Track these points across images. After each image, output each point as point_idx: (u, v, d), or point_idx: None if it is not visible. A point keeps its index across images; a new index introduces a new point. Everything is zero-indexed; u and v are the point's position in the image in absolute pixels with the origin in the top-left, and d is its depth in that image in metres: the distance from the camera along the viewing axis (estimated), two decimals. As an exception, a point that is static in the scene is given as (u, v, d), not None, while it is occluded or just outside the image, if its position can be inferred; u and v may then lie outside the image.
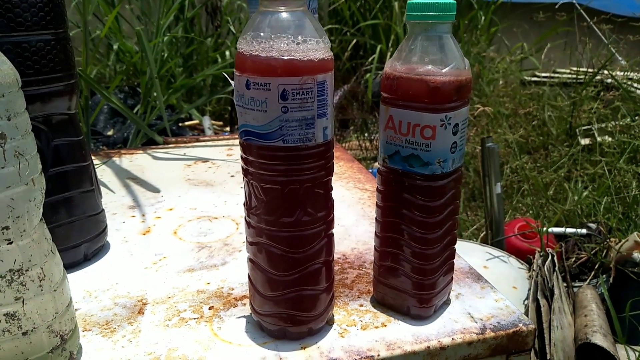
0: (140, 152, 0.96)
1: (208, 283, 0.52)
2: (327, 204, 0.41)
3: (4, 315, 0.36)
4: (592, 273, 1.09)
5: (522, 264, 1.00)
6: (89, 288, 0.51)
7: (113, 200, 0.73)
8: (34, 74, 0.49)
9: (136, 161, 0.91)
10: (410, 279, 0.44)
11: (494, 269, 0.98)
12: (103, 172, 0.83)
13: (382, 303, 0.48)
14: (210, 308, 0.48)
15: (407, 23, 0.40)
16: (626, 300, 0.96)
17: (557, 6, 2.17)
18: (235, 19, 2.27)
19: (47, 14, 0.48)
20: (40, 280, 0.37)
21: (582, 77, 1.89)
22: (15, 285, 0.36)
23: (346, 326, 0.45)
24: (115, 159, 0.91)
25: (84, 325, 0.45)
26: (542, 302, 0.81)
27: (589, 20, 2.04)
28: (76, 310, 0.47)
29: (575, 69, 2.00)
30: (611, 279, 1.03)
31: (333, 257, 0.43)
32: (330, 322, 0.45)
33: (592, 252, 1.13)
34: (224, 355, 0.41)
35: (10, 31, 0.47)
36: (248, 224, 0.41)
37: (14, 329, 0.36)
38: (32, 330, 0.37)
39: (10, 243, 0.35)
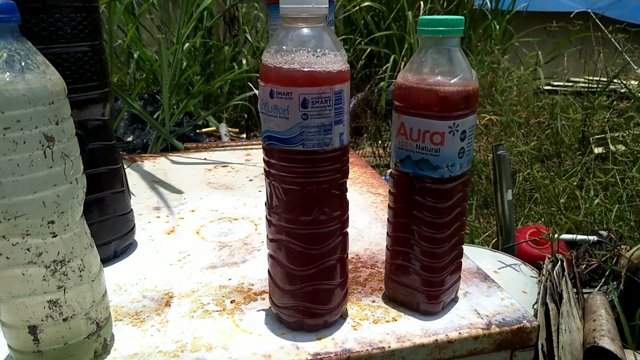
0: (163, 156, 1.00)
1: (229, 279, 0.55)
2: (343, 204, 0.44)
3: (48, 302, 0.39)
4: (603, 280, 1.10)
5: (532, 269, 1.02)
6: (119, 282, 0.55)
7: (139, 202, 0.77)
8: (72, 83, 0.52)
9: (159, 165, 0.95)
10: (419, 276, 0.47)
11: (504, 274, 1.00)
12: (128, 176, 0.87)
13: (393, 299, 0.51)
14: (232, 302, 0.51)
15: (419, 37, 0.44)
16: (636, 308, 0.97)
17: (572, 15, 2.19)
18: (252, 28, 2.33)
19: (85, 27, 0.52)
20: (80, 271, 0.41)
21: (595, 86, 1.90)
22: (58, 275, 0.39)
23: (359, 320, 0.48)
24: (139, 163, 0.96)
25: (115, 315, 0.49)
26: (551, 305, 0.83)
27: (603, 29, 2.05)
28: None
29: (589, 78, 2.01)
30: (621, 286, 1.04)
31: (347, 254, 0.46)
32: (344, 316, 0.48)
33: (602, 259, 1.14)
34: (246, 344, 0.44)
35: (52, 43, 0.51)
36: (269, 222, 0.44)
37: (56, 315, 0.40)
38: (71, 317, 0.41)
39: (55, 236, 0.39)
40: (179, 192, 0.81)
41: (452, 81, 0.42)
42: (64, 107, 0.38)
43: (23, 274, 0.38)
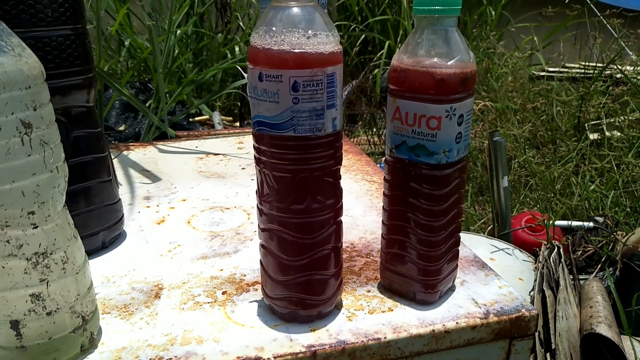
0: (153, 145, 0.98)
1: (221, 270, 0.54)
2: (336, 192, 0.43)
3: (30, 295, 0.38)
4: (599, 266, 1.10)
5: (528, 256, 1.01)
6: (107, 274, 0.53)
7: (128, 192, 0.75)
8: (54, 68, 0.50)
9: (149, 154, 0.93)
10: (416, 265, 0.46)
11: (500, 261, 0.99)
12: (117, 165, 0.86)
13: (388, 289, 0.49)
14: (223, 293, 0.50)
15: (414, 17, 0.42)
16: (632, 294, 0.97)
17: (567, 0, 2.16)
18: (244, 15, 2.29)
19: (67, 9, 0.50)
20: (64, 263, 0.39)
21: (591, 71, 1.89)
22: (40, 268, 0.38)
23: (354, 310, 0.47)
24: (128, 152, 0.94)
25: (103, 308, 0.48)
26: (548, 292, 0.83)
27: (599, 14, 2.03)
28: (95, 294, 0.49)
29: (584, 63, 1.99)
30: (617, 272, 1.04)
31: (341, 243, 0.45)
32: (338, 307, 0.47)
33: (598, 246, 1.14)
34: (238, 337, 0.43)
35: (32, 26, 0.48)
36: (260, 211, 0.43)
37: (39, 309, 0.38)
38: (55, 311, 0.39)
39: (36, 227, 0.37)
40: (170, 181, 0.80)
41: (449, 63, 0.40)
42: (42, 92, 0.36)
43: (3, 267, 0.36)
